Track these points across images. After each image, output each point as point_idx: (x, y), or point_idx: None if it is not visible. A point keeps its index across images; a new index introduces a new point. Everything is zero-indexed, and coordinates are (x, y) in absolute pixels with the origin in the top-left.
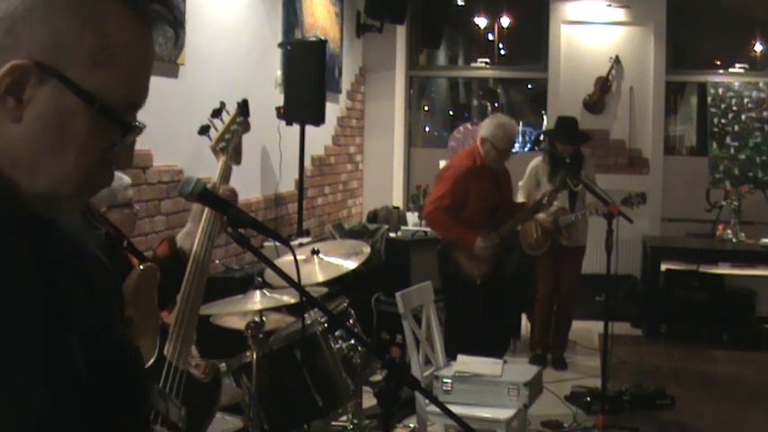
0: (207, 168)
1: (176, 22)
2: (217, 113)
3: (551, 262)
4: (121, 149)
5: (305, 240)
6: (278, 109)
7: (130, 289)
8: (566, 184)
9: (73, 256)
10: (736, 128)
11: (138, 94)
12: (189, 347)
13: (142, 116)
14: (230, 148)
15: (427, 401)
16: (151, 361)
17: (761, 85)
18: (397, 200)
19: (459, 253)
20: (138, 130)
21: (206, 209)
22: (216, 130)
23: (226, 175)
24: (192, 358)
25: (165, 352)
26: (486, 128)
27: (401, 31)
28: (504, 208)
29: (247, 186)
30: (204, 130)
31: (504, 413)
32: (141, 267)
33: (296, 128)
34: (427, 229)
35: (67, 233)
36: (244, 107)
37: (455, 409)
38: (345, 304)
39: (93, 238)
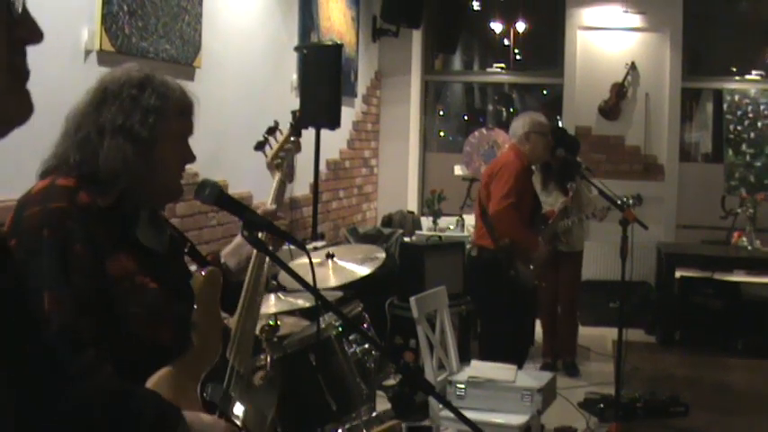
0: (223, 171)
1: None
2: (272, 131)
3: (550, 269)
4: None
5: (319, 244)
6: (293, 113)
7: (195, 292)
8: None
9: None
10: (752, 135)
11: None
12: (248, 352)
13: None
14: (284, 165)
15: (441, 406)
16: (215, 361)
17: None
18: (412, 204)
19: (515, 257)
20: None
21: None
22: (271, 147)
23: (280, 192)
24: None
25: (228, 355)
26: (521, 126)
27: (417, 36)
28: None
29: (262, 190)
30: (260, 146)
31: (517, 419)
32: (203, 272)
33: (311, 131)
34: (441, 234)
35: None
36: (297, 127)
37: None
38: (360, 308)
39: (161, 241)
